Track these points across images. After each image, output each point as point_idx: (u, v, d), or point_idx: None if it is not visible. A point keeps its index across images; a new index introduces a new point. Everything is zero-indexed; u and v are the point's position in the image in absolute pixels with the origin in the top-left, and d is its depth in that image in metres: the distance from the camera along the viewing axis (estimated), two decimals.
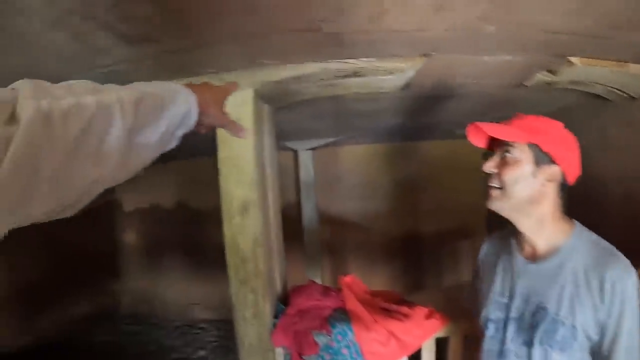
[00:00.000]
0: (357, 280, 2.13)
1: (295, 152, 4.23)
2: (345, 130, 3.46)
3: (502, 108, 2.84)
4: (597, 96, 2.52)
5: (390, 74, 1.87)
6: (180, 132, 0.79)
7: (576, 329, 1.07)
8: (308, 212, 4.18)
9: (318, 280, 4.18)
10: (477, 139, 1.23)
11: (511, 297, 1.19)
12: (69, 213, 0.62)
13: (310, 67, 1.73)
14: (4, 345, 3.68)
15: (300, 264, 4.16)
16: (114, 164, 0.62)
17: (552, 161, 1.13)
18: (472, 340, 1.89)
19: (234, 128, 0.92)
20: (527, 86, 2.29)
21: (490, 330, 1.23)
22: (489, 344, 1.23)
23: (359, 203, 4.32)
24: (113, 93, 0.63)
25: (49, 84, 0.58)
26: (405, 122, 3.09)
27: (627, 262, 1.07)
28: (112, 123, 0.60)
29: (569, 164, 1.15)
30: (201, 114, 0.82)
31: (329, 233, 4.28)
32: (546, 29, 1.53)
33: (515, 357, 1.16)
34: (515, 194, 1.12)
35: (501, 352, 1.19)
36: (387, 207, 4.31)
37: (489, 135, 1.19)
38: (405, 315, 1.86)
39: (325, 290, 2.07)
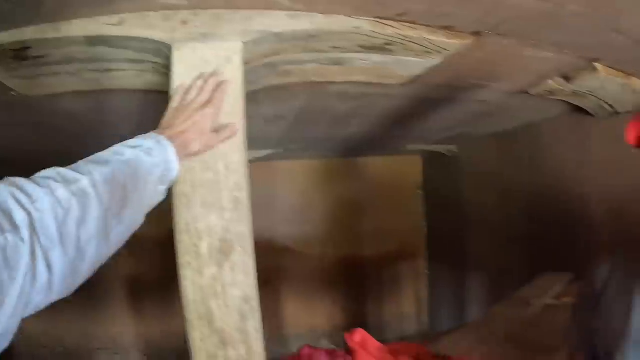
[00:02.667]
0: (368, 336, 1.59)
1: None
2: (292, 141, 2.99)
3: (482, 120, 2.70)
4: (579, 109, 2.38)
5: (424, 54, 1.42)
6: (163, 187, 0.89)
7: None
8: None
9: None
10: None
11: None
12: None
13: (339, 21, 1.17)
14: None
15: None
16: (96, 245, 0.68)
17: None
18: None
19: (229, 133, 1.02)
20: (529, 94, 2.05)
21: None
22: None
23: (295, 226, 3.92)
24: (85, 179, 0.68)
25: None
26: (369, 130, 2.73)
27: None
28: (89, 210, 0.67)
29: None
30: (186, 155, 0.93)
31: (262, 260, 3.60)
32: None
33: None
34: None
35: None
36: (325, 230, 3.97)
37: None
38: None
39: (332, 355, 1.51)
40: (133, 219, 0.82)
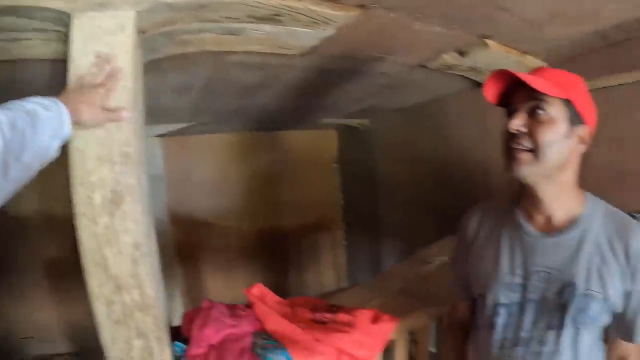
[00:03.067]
0: (266, 290, 1.71)
1: None
2: (204, 113, 2.97)
3: (389, 93, 2.79)
4: (480, 85, 2.49)
5: (313, 25, 1.50)
6: (56, 143, 0.96)
7: (607, 301, 1.01)
8: (157, 212, 3.41)
9: (176, 293, 3.53)
10: (490, 92, 1.08)
11: (526, 276, 1.05)
12: None
13: None
14: None
15: None
16: None
17: (583, 121, 1.03)
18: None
19: (116, 117, 1.10)
20: (427, 68, 2.18)
21: (502, 317, 1.07)
22: (500, 333, 1.07)
23: (214, 199, 3.85)
24: None
25: None
26: (281, 103, 2.76)
27: None
28: None
29: (594, 124, 1.06)
30: (77, 120, 1.01)
31: (182, 235, 3.69)
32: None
33: (538, 344, 1.03)
34: (548, 158, 0.99)
35: (518, 340, 1.05)
36: (245, 203, 3.94)
37: (504, 89, 1.06)
38: (348, 324, 1.52)
39: (233, 311, 1.57)
40: (29, 163, 0.90)
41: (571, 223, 1.04)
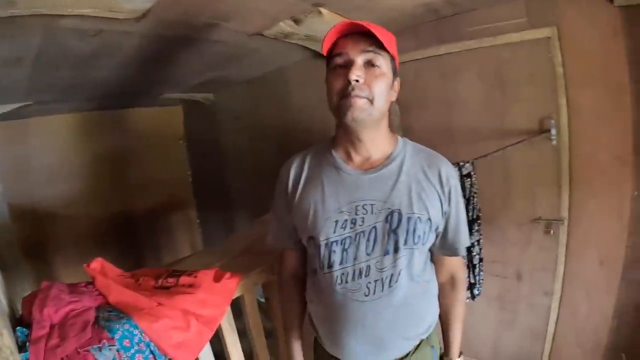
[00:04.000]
0: (107, 264, 1.65)
1: None
2: (40, 91, 2.66)
3: (230, 64, 2.80)
4: (320, 54, 2.64)
5: None
6: None
7: (431, 221, 1.15)
8: None
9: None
10: (327, 44, 1.14)
11: (353, 211, 1.14)
12: None
13: None
14: None
15: None
16: None
17: (397, 74, 1.18)
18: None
19: None
20: (264, 36, 2.23)
21: (337, 253, 1.14)
22: (338, 269, 1.15)
23: (58, 188, 3.47)
24: None
25: None
26: (122, 77, 2.63)
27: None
28: None
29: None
30: None
31: (27, 230, 3.26)
32: None
33: (378, 271, 1.13)
34: (380, 106, 1.11)
35: (356, 272, 1.14)
36: (92, 189, 3.65)
37: (336, 38, 1.13)
38: (191, 286, 1.52)
39: (73, 288, 1.49)
40: None
41: (387, 160, 1.18)
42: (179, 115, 4.17)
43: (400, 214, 1.12)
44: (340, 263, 1.15)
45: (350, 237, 1.14)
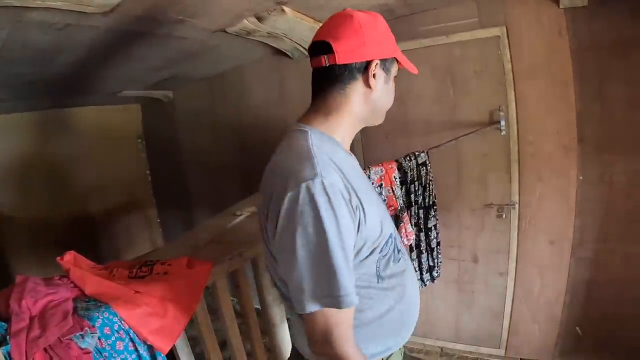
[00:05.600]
0: (80, 256, 1.64)
1: None
2: None
3: (190, 60, 2.79)
4: (279, 52, 2.76)
5: None
6: None
7: None
8: None
9: None
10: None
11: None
12: None
13: None
14: None
15: None
16: None
17: None
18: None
19: None
20: (227, 34, 2.26)
21: (389, 244, 1.07)
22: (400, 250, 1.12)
23: (13, 192, 3.34)
24: None
25: None
26: (82, 73, 2.60)
27: None
28: None
29: None
30: None
31: None
32: None
33: (402, 256, 1.14)
34: None
35: (399, 250, 1.13)
36: (49, 192, 3.52)
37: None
38: (165, 274, 1.56)
39: (48, 281, 1.47)
40: None
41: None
42: (137, 113, 4.10)
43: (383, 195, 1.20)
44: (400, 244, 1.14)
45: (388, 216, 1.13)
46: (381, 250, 1.02)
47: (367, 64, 1.03)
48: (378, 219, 1.01)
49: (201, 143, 3.71)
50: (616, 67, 2.03)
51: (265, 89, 3.11)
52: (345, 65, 1.02)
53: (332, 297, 0.90)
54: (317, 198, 0.87)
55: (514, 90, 2.24)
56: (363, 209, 0.95)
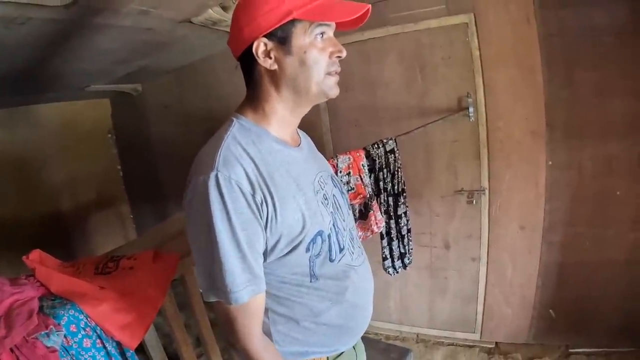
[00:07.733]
0: (46, 255, 1.61)
1: None
2: None
3: (157, 52, 2.73)
4: None
5: None
6: None
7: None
8: None
9: None
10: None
11: (319, 187, 1.05)
12: None
13: None
14: None
15: None
16: None
17: None
18: None
19: None
20: (192, 24, 2.22)
21: (320, 242, 0.99)
22: (345, 248, 1.07)
23: None
24: None
25: None
26: (46, 68, 2.52)
27: None
28: None
29: None
30: None
31: None
32: None
33: (350, 233, 1.11)
34: None
35: (349, 243, 1.09)
36: (17, 189, 3.41)
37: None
38: (132, 268, 1.54)
39: (13, 281, 1.44)
40: None
41: (297, 133, 1.13)
42: (106, 108, 3.98)
43: (333, 176, 1.15)
44: (343, 242, 1.06)
45: (332, 212, 1.04)
46: (308, 249, 0.96)
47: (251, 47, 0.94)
48: (299, 214, 0.94)
49: (172, 135, 3.65)
50: (584, 53, 2.06)
51: (233, 79, 3.02)
52: (239, 57, 0.99)
53: (221, 291, 0.89)
54: (209, 192, 0.86)
55: (482, 77, 2.25)
56: (274, 203, 0.90)
